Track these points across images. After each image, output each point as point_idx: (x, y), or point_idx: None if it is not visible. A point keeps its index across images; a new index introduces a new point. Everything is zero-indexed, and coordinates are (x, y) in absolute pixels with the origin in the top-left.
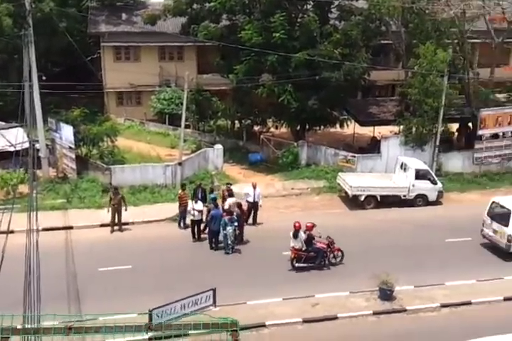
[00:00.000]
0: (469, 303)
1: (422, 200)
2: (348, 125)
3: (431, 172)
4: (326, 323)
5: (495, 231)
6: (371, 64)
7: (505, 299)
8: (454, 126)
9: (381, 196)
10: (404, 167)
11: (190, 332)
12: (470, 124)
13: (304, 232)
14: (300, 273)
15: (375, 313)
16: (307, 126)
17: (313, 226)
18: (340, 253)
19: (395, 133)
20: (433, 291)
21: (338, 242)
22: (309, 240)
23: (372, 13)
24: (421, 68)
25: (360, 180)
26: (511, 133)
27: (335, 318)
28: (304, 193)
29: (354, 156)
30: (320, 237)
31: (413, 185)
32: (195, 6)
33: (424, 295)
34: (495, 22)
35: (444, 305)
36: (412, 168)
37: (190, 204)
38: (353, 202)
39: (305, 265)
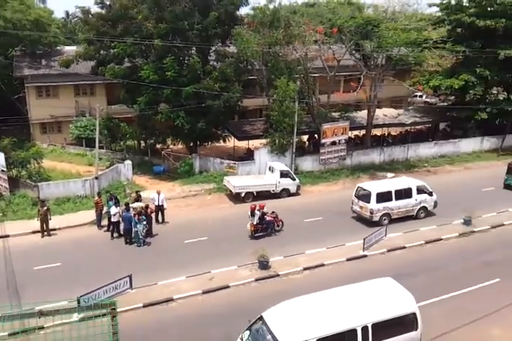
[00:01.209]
0: (323, 265)
1: (285, 193)
2: (229, 140)
3: (291, 171)
4: (220, 292)
5: (361, 207)
6: (243, 94)
7: (348, 259)
8: (305, 137)
9: (257, 192)
10: (271, 169)
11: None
12: (316, 135)
13: (258, 210)
14: (200, 254)
15: (256, 280)
16: (198, 142)
17: (264, 205)
18: (281, 223)
19: (264, 145)
20: (297, 259)
21: (226, 228)
22: (263, 215)
23: (241, 55)
24: (278, 96)
25: (240, 181)
26: (344, 140)
27: (227, 287)
28: (199, 194)
29: (235, 163)
30: (267, 212)
31: (279, 182)
32: (102, 52)
33: (291, 262)
34: (328, 61)
35: (305, 268)
36: (277, 169)
37: (106, 209)
38: (236, 198)
39: (261, 234)
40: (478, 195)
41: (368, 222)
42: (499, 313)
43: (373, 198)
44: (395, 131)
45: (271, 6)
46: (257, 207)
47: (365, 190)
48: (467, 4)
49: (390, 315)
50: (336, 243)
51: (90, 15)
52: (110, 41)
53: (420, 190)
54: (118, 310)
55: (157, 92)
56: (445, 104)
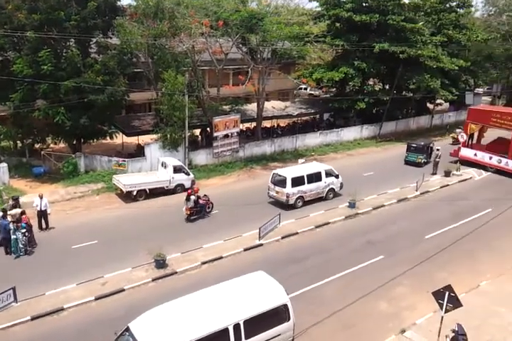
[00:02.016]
0: (221, 258)
1: (180, 188)
2: (116, 136)
3: (184, 166)
4: (115, 296)
5: (277, 192)
6: (129, 87)
7: (245, 249)
8: (197, 131)
9: (149, 189)
10: (164, 165)
11: None
12: (208, 129)
13: (193, 195)
14: (90, 259)
15: (153, 280)
16: (82, 140)
17: (198, 189)
18: (211, 205)
19: (155, 140)
20: (195, 254)
21: (118, 229)
22: (197, 199)
23: (124, 47)
24: (167, 89)
25: (131, 178)
26: (236, 133)
27: (122, 291)
28: (86, 195)
29: (124, 161)
30: (200, 196)
31: (173, 178)
32: None
33: (189, 258)
34: (216, 54)
35: (203, 263)
36: (170, 165)
37: None
38: (128, 196)
39: (196, 216)
40: (360, 179)
41: (265, 211)
42: (384, 287)
43: (288, 183)
44: (283, 123)
45: None
46: (192, 192)
47: (280, 175)
48: (344, 0)
49: (261, 309)
50: (233, 234)
51: None
52: None
53: (328, 174)
54: (4, 325)
55: (33, 88)
56: (328, 95)
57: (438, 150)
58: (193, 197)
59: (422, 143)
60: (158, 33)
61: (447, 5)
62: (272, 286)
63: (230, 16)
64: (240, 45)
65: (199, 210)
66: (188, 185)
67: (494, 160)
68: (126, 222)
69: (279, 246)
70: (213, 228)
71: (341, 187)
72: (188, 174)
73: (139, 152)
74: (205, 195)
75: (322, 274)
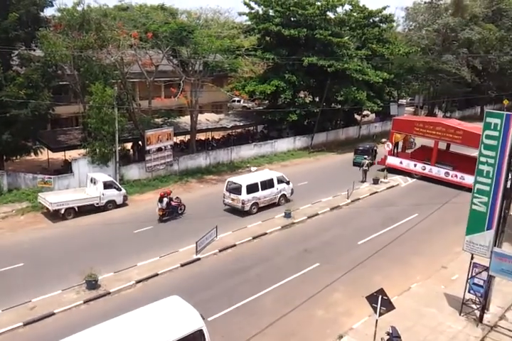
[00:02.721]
0: (156, 275)
1: (112, 205)
2: (41, 152)
3: (115, 182)
4: (45, 321)
5: (232, 199)
6: (54, 101)
7: (182, 265)
8: (129, 145)
9: (78, 207)
10: (93, 181)
11: None
12: (140, 142)
13: (166, 197)
14: (15, 283)
15: (85, 302)
16: (4, 157)
17: (171, 191)
18: (183, 207)
19: (83, 155)
20: (129, 273)
21: (46, 251)
22: (170, 201)
23: (48, 60)
24: (95, 102)
25: (58, 196)
26: (170, 146)
27: (52, 314)
28: (10, 215)
29: (50, 178)
30: (172, 198)
31: (103, 194)
32: None
33: (123, 277)
34: (146, 66)
35: (138, 281)
36: (100, 180)
37: None
38: (55, 215)
39: (168, 217)
40: (295, 189)
41: (202, 225)
42: (321, 294)
43: (244, 190)
44: (218, 135)
45: (79, 8)
46: (165, 194)
47: (235, 183)
48: (273, 14)
49: (174, 336)
50: (169, 250)
51: None
52: None
53: (280, 180)
54: None
55: None
56: (261, 107)
57: (366, 159)
58: (165, 199)
59: (368, 146)
60: (84, 45)
61: (371, 20)
62: (185, 311)
63: (160, 28)
64: (171, 57)
65: (171, 211)
66: (119, 201)
67: (418, 167)
68: (54, 243)
69: (217, 260)
70: (149, 244)
71: (292, 193)
72: (119, 189)
73: (66, 168)
74: (177, 198)
75: (261, 285)
